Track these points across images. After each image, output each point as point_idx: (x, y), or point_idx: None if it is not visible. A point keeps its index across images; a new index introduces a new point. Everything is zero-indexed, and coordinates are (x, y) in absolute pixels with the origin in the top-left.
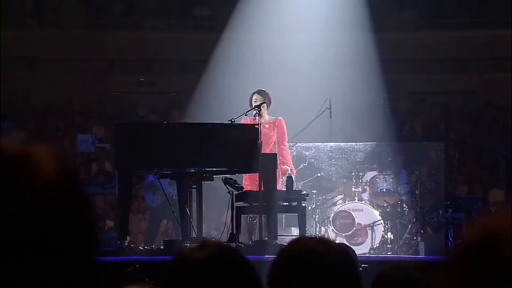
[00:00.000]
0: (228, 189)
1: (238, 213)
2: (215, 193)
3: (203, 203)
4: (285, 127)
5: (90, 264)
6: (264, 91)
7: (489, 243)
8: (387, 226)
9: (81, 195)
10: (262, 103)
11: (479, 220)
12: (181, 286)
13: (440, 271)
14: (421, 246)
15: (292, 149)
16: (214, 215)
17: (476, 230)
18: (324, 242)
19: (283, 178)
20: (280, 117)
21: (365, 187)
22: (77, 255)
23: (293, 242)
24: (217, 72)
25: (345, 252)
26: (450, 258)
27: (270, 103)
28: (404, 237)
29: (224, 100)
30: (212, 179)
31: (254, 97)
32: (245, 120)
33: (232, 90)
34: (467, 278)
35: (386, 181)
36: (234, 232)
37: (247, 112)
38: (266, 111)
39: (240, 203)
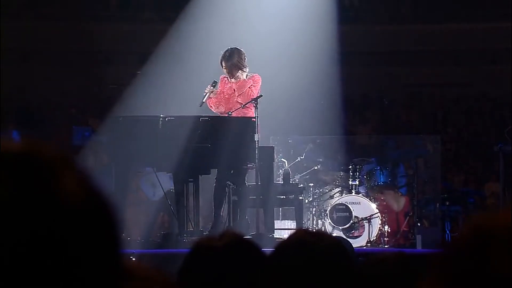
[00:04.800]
0: None
1: (234, 206)
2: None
3: (199, 196)
4: (258, 83)
5: (116, 276)
6: (227, 53)
7: (479, 240)
8: (384, 219)
9: (105, 205)
10: (259, 97)
11: (474, 216)
12: (200, 273)
13: (433, 266)
14: (418, 239)
15: (288, 142)
16: (211, 208)
17: (469, 226)
18: (316, 234)
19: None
20: (255, 74)
21: (362, 180)
22: (102, 267)
23: (289, 236)
24: (161, 65)
25: (337, 243)
26: (443, 254)
27: (239, 63)
28: (401, 230)
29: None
30: (208, 172)
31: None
32: (222, 80)
33: (193, 82)
34: (457, 274)
35: (383, 174)
36: (231, 225)
37: (202, 102)
38: (240, 73)
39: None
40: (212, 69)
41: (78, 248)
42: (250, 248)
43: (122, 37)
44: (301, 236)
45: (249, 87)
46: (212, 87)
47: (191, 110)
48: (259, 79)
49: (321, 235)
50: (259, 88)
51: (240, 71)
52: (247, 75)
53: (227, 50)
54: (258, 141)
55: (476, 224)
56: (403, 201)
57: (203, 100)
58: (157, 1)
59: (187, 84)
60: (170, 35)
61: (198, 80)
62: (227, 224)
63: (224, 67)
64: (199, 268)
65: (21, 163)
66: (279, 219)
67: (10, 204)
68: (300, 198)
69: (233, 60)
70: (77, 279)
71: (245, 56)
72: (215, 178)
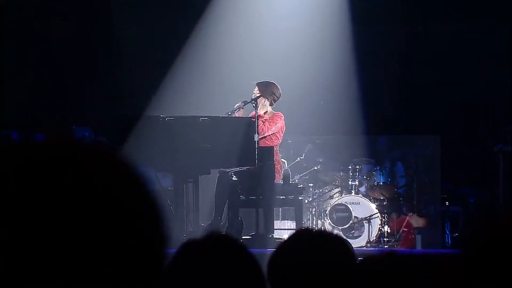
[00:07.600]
0: None
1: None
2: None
3: (199, 196)
4: (278, 122)
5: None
6: (263, 82)
7: (504, 244)
8: (383, 219)
9: (153, 204)
10: (258, 97)
11: (488, 218)
12: (186, 275)
13: (451, 266)
14: (418, 239)
15: (288, 142)
16: (211, 208)
17: (487, 230)
18: (321, 234)
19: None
20: (279, 112)
21: (362, 180)
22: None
23: (292, 235)
24: (186, 67)
25: (341, 242)
26: (464, 254)
27: (271, 95)
28: (401, 230)
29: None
30: (208, 173)
31: (255, 90)
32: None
33: (212, 83)
34: (480, 274)
35: (383, 174)
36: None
37: (243, 105)
38: (265, 104)
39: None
40: (227, 71)
41: (125, 244)
42: (236, 250)
43: (127, 36)
44: (303, 235)
45: (262, 121)
46: (242, 104)
47: (208, 112)
48: (279, 118)
49: (323, 234)
50: (277, 126)
51: (266, 101)
52: (267, 111)
53: (259, 81)
54: (257, 141)
55: (496, 228)
56: (423, 221)
57: (230, 113)
58: (165, 3)
59: (201, 86)
60: (182, 36)
61: (213, 82)
62: (227, 225)
63: (254, 93)
64: (184, 270)
65: (69, 163)
66: (279, 219)
67: (64, 202)
68: (300, 198)
69: (268, 89)
70: (121, 274)
71: (280, 94)
72: (217, 179)
